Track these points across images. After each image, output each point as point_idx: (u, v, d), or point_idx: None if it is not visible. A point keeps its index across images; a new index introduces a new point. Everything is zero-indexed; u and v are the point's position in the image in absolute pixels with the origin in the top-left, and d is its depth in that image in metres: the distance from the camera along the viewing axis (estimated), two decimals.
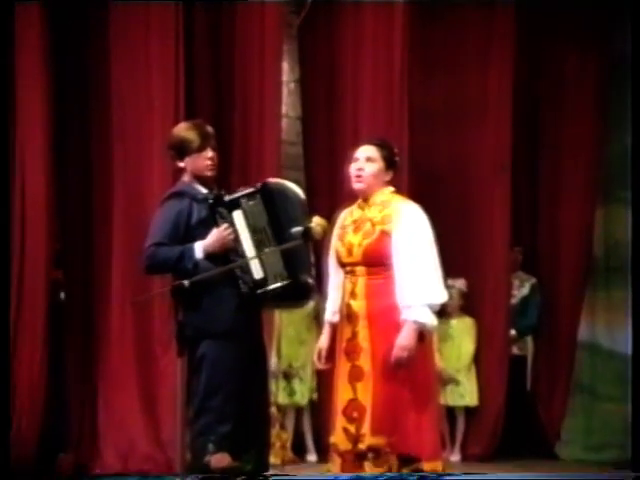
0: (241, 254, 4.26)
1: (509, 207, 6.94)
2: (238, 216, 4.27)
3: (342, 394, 4.30)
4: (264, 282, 4.25)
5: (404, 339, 4.18)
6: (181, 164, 4.42)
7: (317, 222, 4.16)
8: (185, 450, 4.13)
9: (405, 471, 4.18)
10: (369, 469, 4.21)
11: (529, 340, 7.30)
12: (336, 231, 4.43)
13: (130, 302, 5.90)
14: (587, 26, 7.10)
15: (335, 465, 4.32)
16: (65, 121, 6.19)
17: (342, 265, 4.39)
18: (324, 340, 4.46)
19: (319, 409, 6.50)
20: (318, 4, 6.86)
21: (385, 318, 4.26)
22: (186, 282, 4.00)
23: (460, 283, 6.85)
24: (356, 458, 4.25)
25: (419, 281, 4.20)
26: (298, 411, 6.69)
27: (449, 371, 6.81)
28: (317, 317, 6.19)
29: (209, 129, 4.43)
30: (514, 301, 7.20)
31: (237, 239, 4.27)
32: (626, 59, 6.61)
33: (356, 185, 4.36)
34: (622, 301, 6.82)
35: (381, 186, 4.37)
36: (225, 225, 4.25)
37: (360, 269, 4.32)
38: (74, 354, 6.22)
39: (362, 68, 6.57)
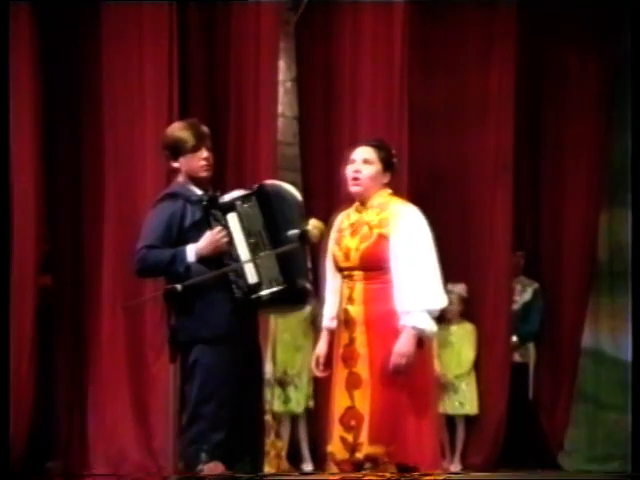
0: (235, 258, 4.26)
1: (511, 209, 6.96)
2: (233, 219, 4.27)
3: (339, 402, 4.30)
4: (259, 287, 4.25)
5: (402, 345, 4.19)
6: (175, 164, 4.42)
7: (314, 225, 4.16)
8: (177, 459, 4.14)
9: None
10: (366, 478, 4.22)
11: (531, 347, 7.31)
12: (333, 235, 4.43)
13: (121, 306, 5.90)
14: (590, 26, 7.13)
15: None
16: (55, 121, 6.20)
17: (339, 269, 4.40)
18: (322, 347, 4.46)
19: (315, 417, 6.51)
20: (316, 1, 6.87)
21: (383, 324, 4.27)
22: (179, 286, 4.02)
23: (460, 288, 6.86)
24: (354, 468, 4.26)
25: (418, 286, 4.21)
26: (293, 419, 6.69)
27: (448, 378, 6.82)
28: (314, 322, 6.19)
29: (204, 129, 4.43)
30: (516, 307, 7.21)
31: (231, 242, 4.27)
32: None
33: (353, 188, 4.37)
34: (627, 307, 6.83)
35: (379, 188, 4.37)
36: (219, 228, 4.26)
37: (358, 274, 4.32)
38: (64, 359, 6.23)
39: (361, 67, 6.58)
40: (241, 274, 4.25)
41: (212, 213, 4.28)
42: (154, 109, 6.03)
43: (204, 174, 4.40)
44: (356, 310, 4.31)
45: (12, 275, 5.79)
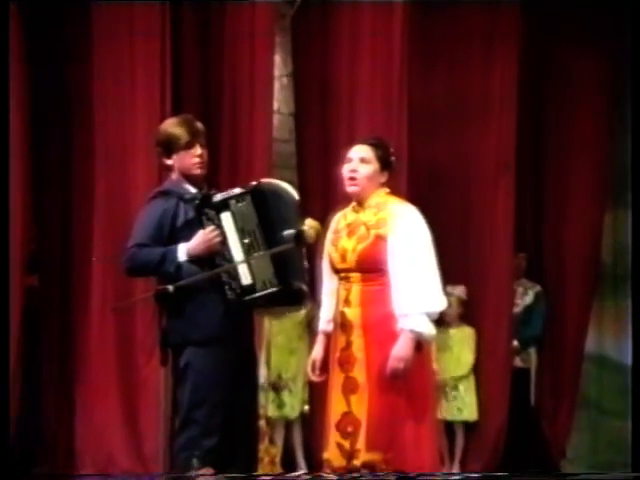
0: (229, 258, 4.26)
1: (512, 210, 6.97)
2: (226, 218, 4.27)
3: (336, 407, 4.31)
4: (252, 288, 4.25)
5: (400, 349, 4.19)
6: (169, 162, 4.41)
7: (310, 225, 4.16)
8: (168, 465, 4.15)
9: None
10: None
11: (533, 352, 7.33)
12: (329, 235, 4.43)
13: (111, 308, 5.91)
14: (594, 25, 7.15)
15: None
16: (44, 122, 6.21)
17: (336, 271, 4.40)
18: (318, 350, 4.46)
19: (310, 422, 6.52)
20: None
21: (381, 327, 4.27)
22: (170, 287, 4.02)
23: (459, 290, 6.87)
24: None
25: (416, 288, 4.21)
26: (288, 424, 6.71)
27: (447, 383, 6.83)
28: (309, 325, 6.20)
29: (198, 125, 4.43)
30: (517, 310, 7.23)
31: (225, 242, 4.26)
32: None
33: (350, 188, 4.37)
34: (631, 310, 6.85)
35: (376, 188, 4.37)
36: (211, 227, 4.25)
37: (354, 275, 4.33)
38: (51, 362, 6.23)
39: (359, 62, 6.59)
40: (234, 275, 4.25)
41: (205, 212, 4.28)
42: (146, 108, 6.05)
43: (198, 172, 4.40)
44: (353, 313, 4.32)
45: None
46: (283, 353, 6.61)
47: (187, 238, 4.28)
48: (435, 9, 6.87)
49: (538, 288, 7.34)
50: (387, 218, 4.31)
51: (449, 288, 6.30)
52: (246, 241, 4.26)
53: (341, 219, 4.45)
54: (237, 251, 4.27)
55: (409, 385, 4.23)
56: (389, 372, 4.20)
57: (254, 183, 4.34)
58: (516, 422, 6.94)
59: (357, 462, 4.23)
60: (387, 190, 4.43)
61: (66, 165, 6.28)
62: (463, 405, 6.89)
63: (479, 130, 7.02)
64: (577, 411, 7.24)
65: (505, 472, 6.70)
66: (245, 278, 4.25)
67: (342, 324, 4.34)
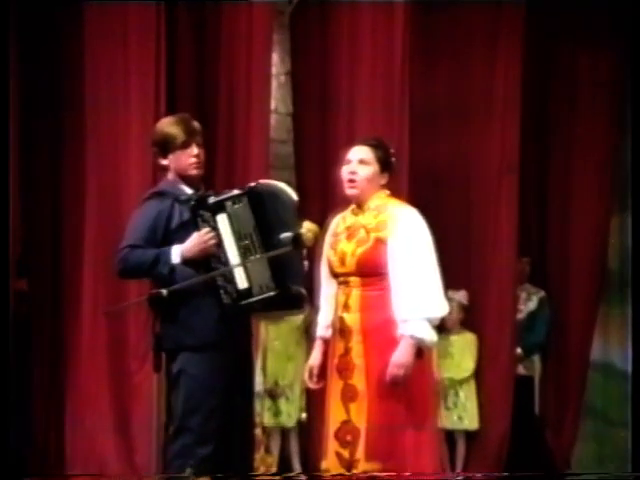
0: (224, 261, 4.26)
1: (516, 213, 6.99)
2: (222, 220, 4.27)
3: (334, 415, 4.32)
4: (249, 292, 4.25)
5: (401, 356, 4.21)
6: (164, 162, 4.42)
7: (308, 228, 4.16)
8: (161, 474, 4.16)
9: None
10: None
11: (536, 359, 7.34)
12: (328, 239, 4.44)
13: (103, 312, 5.92)
14: (600, 23, 7.17)
15: None
16: (35, 123, 6.23)
17: (334, 275, 4.41)
18: (316, 357, 4.48)
19: (308, 431, 6.54)
20: None
21: (380, 333, 4.28)
22: (164, 291, 4.03)
23: (460, 295, 6.88)
24: None
25: (417, 293, 4.22)
26: (284, 433, 6.71)
27: (447, 390, 6.85)
28: (307, 331, 6.22)
29: (195, 124, 4.43)
30: (520, 316, 7.24)
31: (220, 245, 4.27)
32: None
33: (349, 191, 4.38)
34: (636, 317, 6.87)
35: (376, 190, 4.38)
36: (207, 229, 4.26)
37: (354, 280, 4.34)
38: (40, 368, 6.24)
39: (359, 61, 6.60)
40: (230, 279, 4.26)
41: (200, 214, 4.28)
42: (140, 108, 6.07)
43: (194, 172, 4.40)
44: (352, 318, 4.33)
45: None
46: (280, 359, 6.62)
47: (182, 240, 4.28)
48: (437, 7, 6.89)
49: (542, 294, 7.35)
50: (387, 221, 4.32)
51: (450, 293, 6.33)
52: (242, 244, 4.26)
53: (340, 222, 4.46)
54: (233, 254, 4.27)
55: (409, 393, 4.24)
56: (389, 379, 4.21)
57: (252, 184, 4.35)
58: (519, 432, 6.95)
59: (356, 472, 4.24)
60: (387, 192, 4.44)
61: (57, 165, 6.29)
62: (464, 413, 6.90)
63: (482, 130, 7.03)
64: (582, 421, 7.25)
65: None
66: (241, 282, 4.26)
67: (341, 330, 4.35)
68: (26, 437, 6.15)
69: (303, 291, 4.25)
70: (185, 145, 4.38)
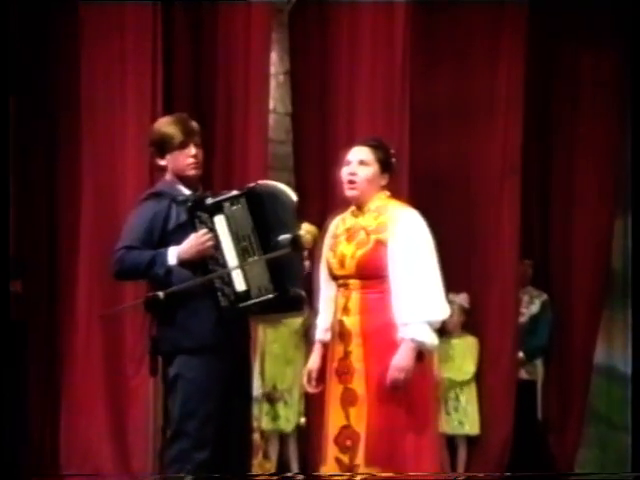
0: (222, 264, 4.26)
1: (518, 214, 6.99)
2: (220, 221, 4.27)
3: (334, 420, 4.32)
4: (247, 295, 4.25)
5: (401, 359, 4.21)
6: (162, 162, 4.42)
7: (306, 230, 4.16)
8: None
9: None
10: None
11: (539, 363, 7.34)
12: (327, 241, 4.45)
13: (98, 315, 5.93)
14: (603, 22, 7.18)
15: None
16: (30, 120, 6.24)
17: (334, 278, 4.42)
18: (315, 360, 4.48)
19: (307, 436, 6.54)
20: None
21: (381, 336, 4.29)
22: (161, 294, 4.03)
23: (461, 298, 6.88)
24: None
25: (418, 295, 4.23)
26: (283, 438, 6.72)
27: (447, 394, 6.85)
28: (306, 334, 6.22)
29: (193, 124, 4.44)
30: (523, 319, 7.24)
31: (218, 247, 4.28)
32: None
33: (349, 192, 4.39)
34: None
35: (376, 191, 4.39)
36: (204, 230, 4.26)
37: (353, 282, 4.35)
38: (35, 372, 6.25)
39: (359, 60, 6.60)
40: (228, 281, 4.26)
41: (197, 215, 4.29)
42: (136, 108, 6.08)
43: (192, 172, 4.40)
44: (352, 321, 4.33)
45: None
46: (278, 363, 6.63)
47: (179, 242, 4.29)
48: (439, 5, 6.90)
49: (545, 297, 7.35)
50: (388, 222, 4.33)
51: (451, 296, 6.33)
52: (240, 245, 4.27)
53: (340, 223, 4.47)
54: (231, 256, 4.27)
55: (410, 397, 4.24)
56: (389, 383, 4.21)
57: (250, 185, 4.35)
58: (522, 437, 6.95)
59: (356, 478, 4.24)
60: (388, 193, 4.44)
61: (52, 166, 6.31)
62: (464, 418, 6.90)
63: (484, 131, 7.04)
64: (586, 426, 7.26)
65: None
66: (239, 284, 4.26)
67: (340, 333, 4.36)
68: (21, 441, 6.15)
69: (302, 293, 4.25)
70: (183, 145, 4.38)
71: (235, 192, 4.32)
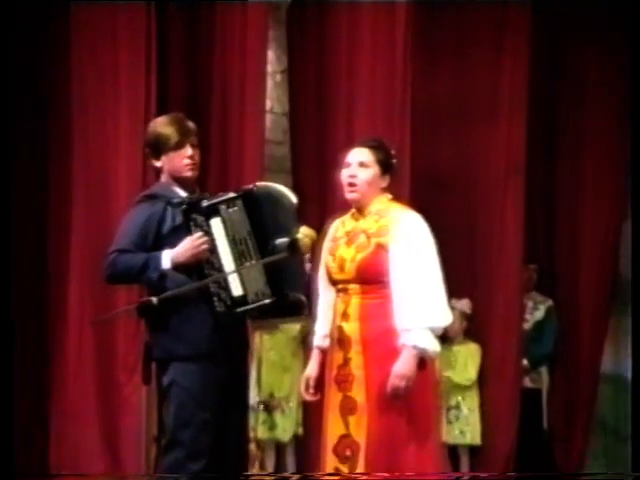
0: (218, 268, 4.26)
1: (522, 217, 7.01)
2: (216, 224, 4.27)
3: (333, 429, 4.32)
4: (244, 300, 4.25)
5: (402, 366, 4.21)
6: (157, 163, 4.42)
7: (304, 233, 4.16)
8: None
9: None
10: None
11: (544, 371, 7.35)
12: (327, 244, 4.45)
13: (90, 321, 5.93)
14: (609, 21, 7.20)
15: None
16: (20, 121, 6.23)
17: (333, 282, 4.42)
18: (313, 367, 4.48)
19: (305, 446, 6.54)
20: None
21: (381, 343, 4.29)
22: (154, 299, 4.04)
23: (463, 304, 6.88)
24: None
25: (420, 301, 4.23)
26: (280, 448, 6.72)
27: (448, 403, 6.85)
28: (304, 340, 6.23)
29: (189, 124, 4.44)
30: (527, 326, 7.25)
31: (214, 250, 4.28)
32: None
33: (349, 195, 4.39)
34: None
35: (377, 193, 4.39)
36: (199, 233, 4.26)
37: (353, 287, 4.35)
38: (23, 380, 6.23)
39: (358, 59, 6.61)
40: (224, 286, 4.25)
41: (193, 217, 4.28)
42: (129, 109, 6.08)
43: (189, 173, 4.40)
44: (351, 327, 4.33)
45: None
46: (276, 371, 6.63)
47: (174, 246, 4.28)
48: (441, 5, 6.91)
49: (550, 302, 7.36)
50: (389, 226, 4.33)
51: (452, 302, 6.34)
52: (237, 249, 4.27)
53: (339, 226, 4.47)
54: (227, 260, 4.27)
55: (411, 405, 4.25)
56: (390, 391, 4.21)
57: (248, 187, 4.36)
58: (526, 447, 6.96)
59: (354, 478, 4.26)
60: (389, 196, 4.45)
61: (43, 168, 6.31)
62: (466, 427, 6.90)
63: (487, 132, 7.06)
64: (592, 436, 7.27)
65: None
66: (236, 289, 4.26)
67: (339, 340, 4.36)
68: (8, 450, 6.14)
69: (302, 298, 4.25)
70: (179, 146, 4.38)
71: (232, 194, 4.32)
